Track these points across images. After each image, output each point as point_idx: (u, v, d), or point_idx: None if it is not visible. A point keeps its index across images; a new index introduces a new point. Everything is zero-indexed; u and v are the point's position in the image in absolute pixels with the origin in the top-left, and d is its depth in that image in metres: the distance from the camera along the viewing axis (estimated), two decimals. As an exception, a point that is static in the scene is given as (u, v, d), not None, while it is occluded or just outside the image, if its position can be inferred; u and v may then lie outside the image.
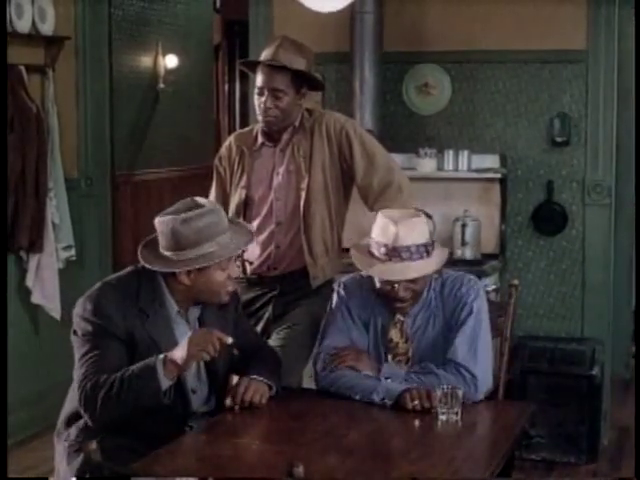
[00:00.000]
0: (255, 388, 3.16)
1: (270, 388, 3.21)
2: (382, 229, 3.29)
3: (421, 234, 3.28)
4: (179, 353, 2.98)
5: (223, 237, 3.11)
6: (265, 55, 3.95)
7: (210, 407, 3.25)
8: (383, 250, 3.26)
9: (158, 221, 3.12)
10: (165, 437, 2.89)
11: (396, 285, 3.27)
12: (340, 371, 3.30)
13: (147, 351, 3.05)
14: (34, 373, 5.54)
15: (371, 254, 3.32)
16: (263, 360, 3.32)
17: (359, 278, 3.47)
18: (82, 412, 3.03)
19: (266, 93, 3.90)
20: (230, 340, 3.05)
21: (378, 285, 3.32)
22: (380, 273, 3.28)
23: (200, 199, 3.17)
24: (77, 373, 3.06)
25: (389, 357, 3.36)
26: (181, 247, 3.07)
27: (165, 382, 2.98)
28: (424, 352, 3.34)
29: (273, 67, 3.88)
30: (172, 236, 3.07)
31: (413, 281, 3.26)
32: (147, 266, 3.11)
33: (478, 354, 3.28)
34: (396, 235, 3.24)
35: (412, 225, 3.27)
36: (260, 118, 3.96)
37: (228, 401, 3.14)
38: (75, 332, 3.11)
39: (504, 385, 3.45)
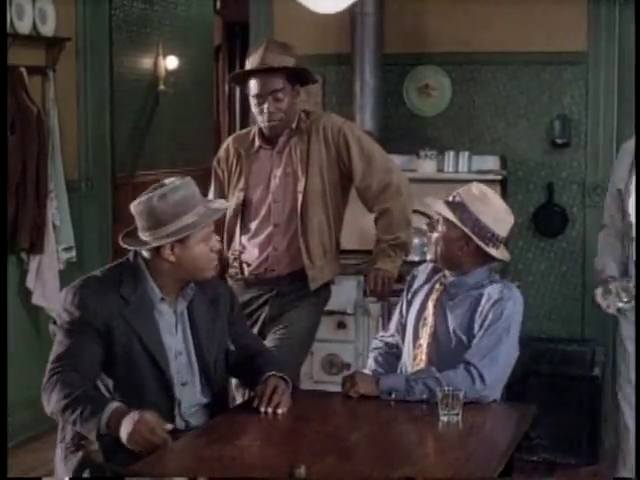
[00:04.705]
0: (282, 390, 3.15)
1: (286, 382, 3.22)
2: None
3: (478, 203, 3.49)
4: (124, 427, 2.83)
5: (199, 208, 3.12)
6: (253, 63, 3.95)
7: (202, 400, 3.20)
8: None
9: (134, 205, 3.14)
10: None
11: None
12: None
13: (127, 340, 3.06)
14: (35, 374, 5.50)
15: None
16: (272, 362, 3.31)
17: (428, 265, 3.58)
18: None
19: (267, 98, 3.90)
20: (170, 427, 2.87)
21: None
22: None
23: (170, 178, 3.16)
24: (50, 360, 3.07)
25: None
26: (162, 223, 3.07)
27: (105, 430, 2.89)
28: (444, 334, 3.38)
29: (266, 71, 3.88)
30: (151, 214, 3.09)
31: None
32: (131, 248, 3.14)
33: (496, 362, 3.27)
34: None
35: (481, 189, 3.55)
36: (265, 124, 3.95)
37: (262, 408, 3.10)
38: (55, 321, 3.14)
39: (505, 386, 3.44)
